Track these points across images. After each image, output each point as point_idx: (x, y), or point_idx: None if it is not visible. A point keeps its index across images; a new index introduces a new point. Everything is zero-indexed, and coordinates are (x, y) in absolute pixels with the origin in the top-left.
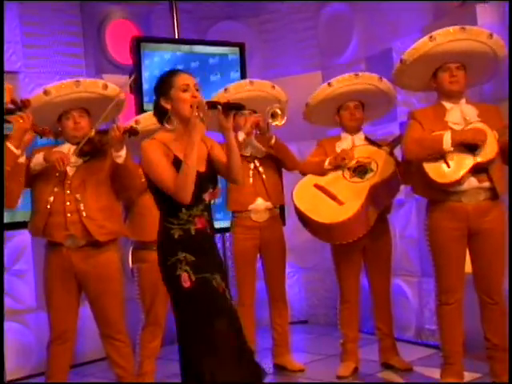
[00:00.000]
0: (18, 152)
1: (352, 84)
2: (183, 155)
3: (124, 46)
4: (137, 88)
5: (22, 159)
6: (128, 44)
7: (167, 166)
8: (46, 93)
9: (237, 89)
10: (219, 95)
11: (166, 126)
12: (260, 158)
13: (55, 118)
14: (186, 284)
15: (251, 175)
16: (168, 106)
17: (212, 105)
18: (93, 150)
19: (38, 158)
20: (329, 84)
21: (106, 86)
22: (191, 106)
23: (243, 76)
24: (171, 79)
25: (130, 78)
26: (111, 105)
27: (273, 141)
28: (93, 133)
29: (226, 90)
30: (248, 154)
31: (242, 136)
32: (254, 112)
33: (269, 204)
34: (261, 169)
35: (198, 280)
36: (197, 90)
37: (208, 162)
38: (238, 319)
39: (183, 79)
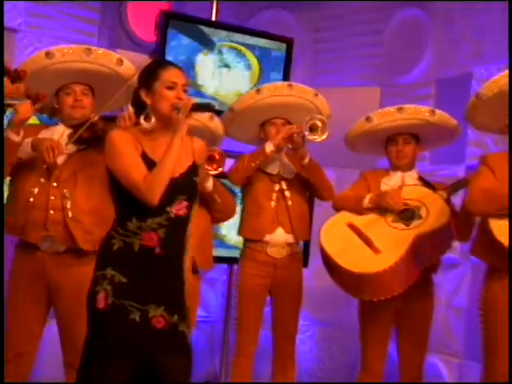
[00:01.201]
0: (18, 139)
1: (395, 120)
2: (163, 154)
3: (149, 19)
4: None
5: (19, 138)
6: (154, 18)
7: (137, 158)
8: (48, 55)
9: (272, 91)
10: (249, 96)
11: (142, 122)
12: (288, 180)
13: (53, 89)
14: (100, 305)
15: (274, 198)
16: (148, 101)
17: (198, 107)
18: (92, 139)
19: (25, 146)
20: (367, 119)
21: (120, 62)
22: (172, 106)
23: (286, 78)
24: (158, 71)
25: (149, 58)
26: (123, 87)
27: (306, 160)
28: (96, 118)
29: (258, 90)
30: (274, 172)
31: (269, 148)
32: (288, 122)
33: (290, 237)
34: (287, 193)
35: (113, 305)
36: (184, 92)
37: (190, 171)
38: (155, 364)
39: (172, 75)
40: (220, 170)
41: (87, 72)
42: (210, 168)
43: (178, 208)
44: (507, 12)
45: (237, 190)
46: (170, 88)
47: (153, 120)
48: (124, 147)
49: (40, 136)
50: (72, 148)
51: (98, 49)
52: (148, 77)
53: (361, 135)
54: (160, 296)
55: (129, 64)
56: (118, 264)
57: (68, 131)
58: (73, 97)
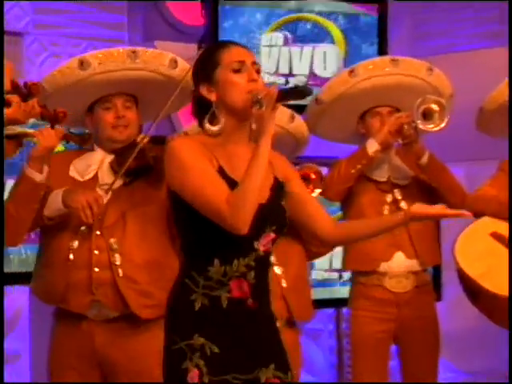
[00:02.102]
0: (40, 178)
1: None
2: (249, 165)
3: None
4: None
5: (42, 177)
6: None
7: (213, 172)
8: (82, 65)
9: (371, 71)
10: (341, 80)
11: (208, 127)
12: (403, 186)
13: (85, 104)
14: None
15: (387, 213)
16: (211, 97)
17: (286, 95)
18: (142, 168)
19: (54, 201)
20: None
21: (174, 63)
22: (248, 94)
23: (382, 51)
24: (216, 55)
25: (198, 48)
26: (175, 93)
27: (425, 158)
28: (146, 140)
29: (351, 71)
30: (383, 179)
31: (373, 147)
32: (397, 110)
33: (414, 263)
34: (403, 204)
35: None
36: (257, 72)
37: (275, 193)
38: None
39: (235, 54)
40: (318, 192)
41: (132, 80)
42: None
43: (265, 243)
44: None
45: (332, 207)
46: (238, 71)
47: (222, 121)
48: (194, 158)
49: (72, 168)
50: (117, 182)
51: (146, 50)
52: (205, 67)
53: (504, 104)
54: (265, 354)
55: (184, 64)
56: (205, 328)
57: (109, 158)
58: (113, 113)
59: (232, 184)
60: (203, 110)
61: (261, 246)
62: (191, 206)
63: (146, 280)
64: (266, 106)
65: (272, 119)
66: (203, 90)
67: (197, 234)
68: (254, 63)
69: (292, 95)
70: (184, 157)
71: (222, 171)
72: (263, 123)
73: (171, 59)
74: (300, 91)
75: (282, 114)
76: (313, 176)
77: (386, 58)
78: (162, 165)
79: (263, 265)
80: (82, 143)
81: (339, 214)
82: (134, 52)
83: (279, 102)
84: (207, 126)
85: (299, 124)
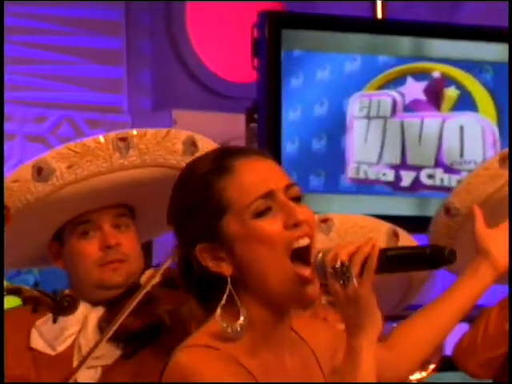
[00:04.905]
0: None
1: None
2: None
3: (236, 37)
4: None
5: None
6: (248, 33)
7: None
8: (41, 174)
9: None
10: (486, 173)
11: (224, 325)
12: None
13: (46, 234)
14: None
15: None
16: (222, 270)
17: (397, 260)
18: (151, 330)
19: None
20: None
21: (193, 147)
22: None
23: None
24: (216, 188)
25: (247, 121)
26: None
27: None
28: (156, 280)
29: (503, 158)
30: None
31: None
32: None
33: None
34: None
35: None
36: (297, 200)
37: None
38: None
39: (254, 180)
40: (430, 368)
41: (124, 185)
42: None
43: None
44: None
45: None
46: (264, 213)
47: (243, 312)
48: None
49: (34, 335)
50: (112, 352)
51: (143, 132)
52: (199, 214)
53: None
54: None
55: (209, 144)
56: None
57: (96, 314)
58: (99, 240)
59: None
60: (205, 289)
61: None
62: None
63: None
64: (359, 279)
65: (373, 299)
66: (204, 259)
67: None
68: (290, 186)
69: (410, 261)
70: None
71: None
72: (359, 309)
73: (186, 141)
74: (428, 256)
75: (376, 231)
76: None
77: None
78: (184, 327)
79: None
80: (60, 311)
81: None
82: (123, 139)
83: (382, 272)
84: (220, 321)
85: None
